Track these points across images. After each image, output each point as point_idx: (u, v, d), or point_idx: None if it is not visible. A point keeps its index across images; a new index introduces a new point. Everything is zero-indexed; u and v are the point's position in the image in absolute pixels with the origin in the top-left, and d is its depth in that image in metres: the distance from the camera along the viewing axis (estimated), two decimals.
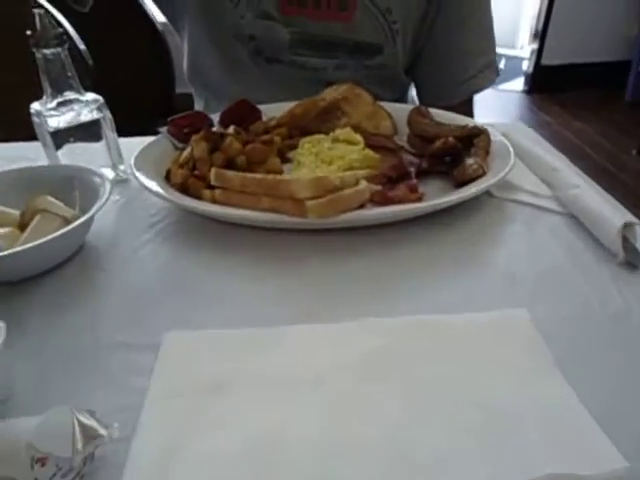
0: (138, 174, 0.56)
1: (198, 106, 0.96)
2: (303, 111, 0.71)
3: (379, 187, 0.52)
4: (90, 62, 1.24)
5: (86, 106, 0.60)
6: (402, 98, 0.96)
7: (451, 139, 0.58)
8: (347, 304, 0.43)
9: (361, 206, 0.50)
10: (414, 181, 0.53)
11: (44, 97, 0.59)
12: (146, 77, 1.63)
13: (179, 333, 0.39)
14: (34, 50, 0.55)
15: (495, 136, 0.63)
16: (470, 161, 0.56)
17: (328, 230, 0.50)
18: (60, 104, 0.59)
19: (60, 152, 0.61)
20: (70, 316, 0.42)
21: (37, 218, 0.48)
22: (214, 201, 0.54)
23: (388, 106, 0.73)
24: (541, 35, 3.31)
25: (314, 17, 0.78)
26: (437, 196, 0.56)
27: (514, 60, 4.07)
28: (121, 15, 1.52)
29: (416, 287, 0.45)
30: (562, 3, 3.18)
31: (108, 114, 0.62)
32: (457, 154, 0.59)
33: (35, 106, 0.59)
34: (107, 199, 0.49)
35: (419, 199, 0.50)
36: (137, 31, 1.57)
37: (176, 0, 0.79)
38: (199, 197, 0.55)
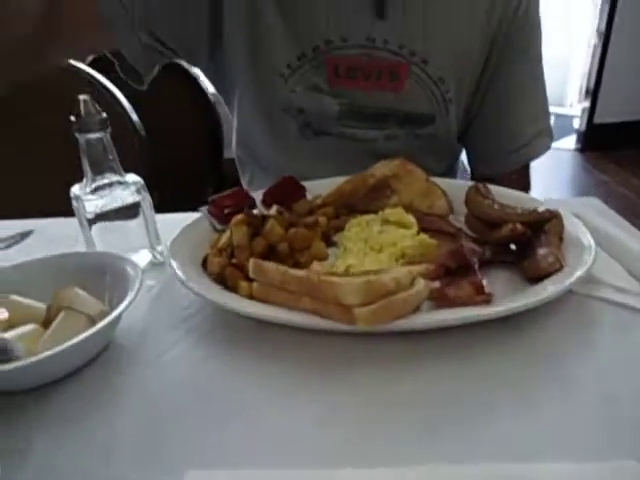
0: (172, 262, 0.53)
1: (244, 179, 0.94)
2: (351, 189, 0.67)
3: (437, 284, 0.45)
4: (143, 133, 1.26)
5: (126, 188, 0.58)
6: (454, 165, 0.92)
7: (520, 226, 0.51)
8: (407, 436, 0.35)
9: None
10: (479, 277, 0.46)
11: (84, 180, 0.57)
12: (197, 146, 1.67)
13: (203, 474, 0.32)
14: (76, 135, 0.54)
15: (568, 219, 0.56)
16: (543, 252, 0.49)
17: (381, 334, 0.44)
18: (99, 187, 0.57)
19: (95, 227, 0.58)
20: (82, 441, 0.37)
21: (61, 316, 0.44)
22: (251, 296, 0.48)
23: (442, 183, 0.68)
24: (593, 93, 3.23)
25: (364, 88, 0.75)
26: (505, 292, 0.48)
27: (564, 118, 4.00)
28: (175, 85, 1.58)
29: (491, 417, 0.37)
30: (614, 60, 3.12)
31: (147, 196, 0.60)
32: (526, 242, 0.52)
33: (74, 190, 0.57)
34: (136, 296, 0.44)
35: (487, 301, 0.43)
36: (190, 101, 1.62)
37: (227, 74, 0.79)
38: (236, 289, 0.51)
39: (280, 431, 0.37)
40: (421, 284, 0.42)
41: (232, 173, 1.70)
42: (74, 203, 0.58)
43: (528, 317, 0.45)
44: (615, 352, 0.42)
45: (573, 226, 0.55)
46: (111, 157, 0.57)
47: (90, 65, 1.34)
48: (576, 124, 3.54)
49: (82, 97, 0.54)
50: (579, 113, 3.47)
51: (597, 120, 3.29)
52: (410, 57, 0.73)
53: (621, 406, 0.37)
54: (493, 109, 0.80)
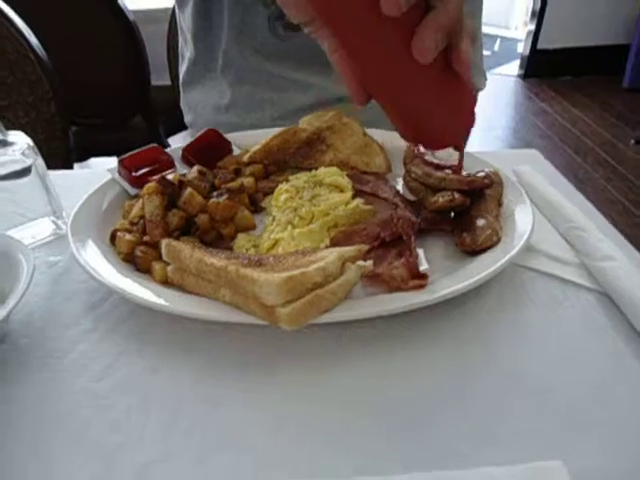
0: (72, 240, 0.46)
1: (188, 92, 0.83)
2: (280, 143, 0.60)
3: (370, 263, 0.41)
4: (45, 59, 1.09)
5: (10, 150, 0.49)
6: None
7: (458, 196, 0.47)
8: (329, 437, 0.33)
9: None
10: (414, 256, 0.43)
11: None
12: (120, 72, 1.50)
13: None
14: None
15: (508, 183, 0.53)
16: (481, 223, 0.46)
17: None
18: None
19: None
20: None
21: None
22: (165, 280, 0.43)
23: (380, 135, 0.62)
24: (538, 17, 3.16)
25: None
26: (441, 265, 0.46)
27: (508, 42, 3.93)
28: (91, 6, 1.38)
29: (419, 409, 0.36)
30: None
31: (39, 159, 0.51)
32: (464, 209, 0.49)
33: None
34: (23, 295, 0.38)
35: (422, 286, 0.40)
36: (109, 22, 1.42)
37: None
38: (149, 271, 0.45)
39: (196, 431, 0.34)
40: (352, 271, 0.38)
41: (163, 102, 1.56)
42: None
43: (461, 294, 0.43)
44: (550, 334, 0.41)
45: (513, 190, 0.52)
46: None
47: None
48: (520, 49, 3.49)
49: None
50: (524, 37, 3.41)
51: (541, 45, 3.25)
52: None
53: (552, 397, 0.36)
54: None
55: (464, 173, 0.51)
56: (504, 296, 0.45)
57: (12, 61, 0.91)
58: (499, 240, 0.45)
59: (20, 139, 0.49)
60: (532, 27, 3.24)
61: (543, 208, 0.54)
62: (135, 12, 1.42)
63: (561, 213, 0.52)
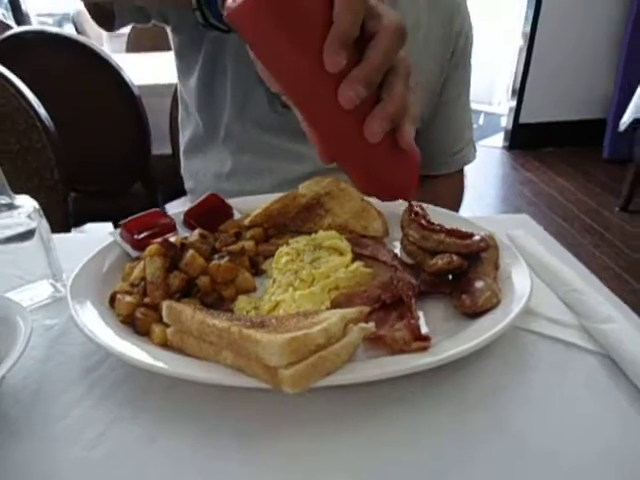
0: (71, 302, 0.45)
1: (190, 164, 0.87)
2: (280, 208, 0.62)
3: (372, 325, 0.41)
4: (52, 129, 1.13)
5: (17, 214, 0.50)
6: None
7: (456, 258, 0.48)
8: None
9: None
10: (415, 318, 0.43)
11: None
12: (122, 141, 1.55)
13: None
14: None
15: (503, 246, 0.54)
16: (480, 285, 0.47)
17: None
18: None
19: None
20: None
21: None
22: (165, 343, 0.43)
23: (377, 201, 0.64)
24: (519, 93, 3.36)
25: None
26: (442, 328, 0.46)
27: (491, 117, 4.15)
28: (95, 76, 1.45)
29: (424, 475, 0.34)
30: (539, 62, 3.26)
31: (44, 221, 0.52)
32: (462, 271, 0.50)
33: None
34: (18, 359, 0.37)
35: (425, 348, 0.40)
36: (114, 95, 1.49)
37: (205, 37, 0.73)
38: (148, 334, 0.45)
39: None
40: (354, 333, 0.38)
41: (163, 170, 1.60)
42: None
43: (463, 358, 0.43)
44: (555, 397, 0.41)
45: (509, 253, 0.53)
46: None
47: None
48: (503, 122, 3.68)
49: None
50: (506, 112, 3.61)
51: (523, 120, 3.43)
52: None
53: (558, 461, 0.35)
54: (441, 117, 0.87)
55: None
56: (506, 359, 0.44)
57: (20, 131, 0.94)
58: (499, 302, 0.46)
59: (26, 202, 0.51)
60: (513, 103, 3.44)
61: (539, 271, 0.55)
62: (140, 87, 1.50)
63: (558, 276, 0.53)
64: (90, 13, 0.70)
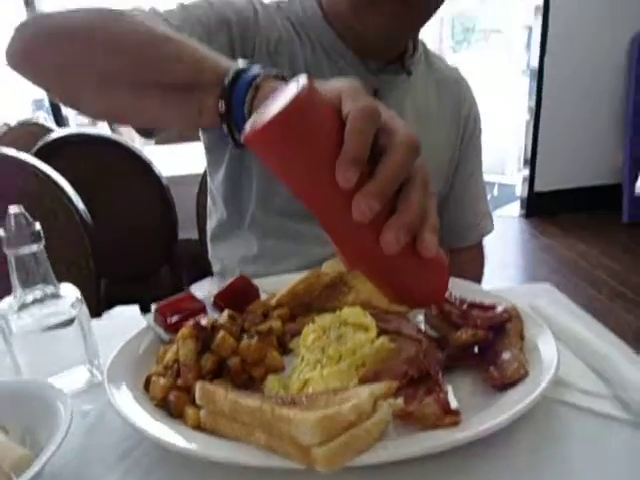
0: (108, 386, 0.47)
1: (217, 248, 0.91)
2: (305, 288, 0.64)
3: (401, 401, 0.42)
4: (89, 223, 1.21)
5: (60, 303, 0.53)
6: None
7: (481, 331, 0.49)
8: None
9: None
10: (444, 392, 0.43)
11: (12, 295, 0.52)
12: (151, 228, 1.63)
13: None
14: (5, 251, 0.50)
15: (526, 316, 0.55)
16: (507, 357, 0.47)
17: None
18: (29, 303, 0.52)
19: (24, 339, 0.52)
20: None
21: None
22: (198, 425, 0.44)
23: None
24: (531, 163, 3.45)
25: None
26: (471, 402, 0.46)
27: (505, 187, 4.23)
28: (127, 169, 1.56)
29: None
30: (547, 134, 3.37)
31: (84, 308, 0.55)
32: (488, 344, 0.50)
33: (1, 306, 0.52)
34: (60, 445, 0.38)
35: (456, 423, 0.40)
36: (145, 187, 1.59)
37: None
38: (182, 416, 0.46)
39: None
40: (384, 409, 0.39)
41: (188, 254, 1.67)
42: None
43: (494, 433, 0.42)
44: (588, 471, 0.40)
45: (533, 324, 0.54)
46: (44, 270, 0.52)
47: (35, 154, 1.30)
48: (518, 192, 3.74)
49: (12, 210, 0.50)
50: (519, 181, 3.68)
51: (537, 188, 3.49)
52: None
53: None
54: (457, 193, 0.93)
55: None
56: (539, 432, 0.44)
57: (61, 226, 1.01)
58: (527, 373, 0.46)
59: (70, 291, 0.54)
60: (526, 172, 3.52)
61: (565, 340, 0.55)
62: (169, 177, 1.60)
63: (585, 344, 0.53)
64: (133, 127, 0.77)
